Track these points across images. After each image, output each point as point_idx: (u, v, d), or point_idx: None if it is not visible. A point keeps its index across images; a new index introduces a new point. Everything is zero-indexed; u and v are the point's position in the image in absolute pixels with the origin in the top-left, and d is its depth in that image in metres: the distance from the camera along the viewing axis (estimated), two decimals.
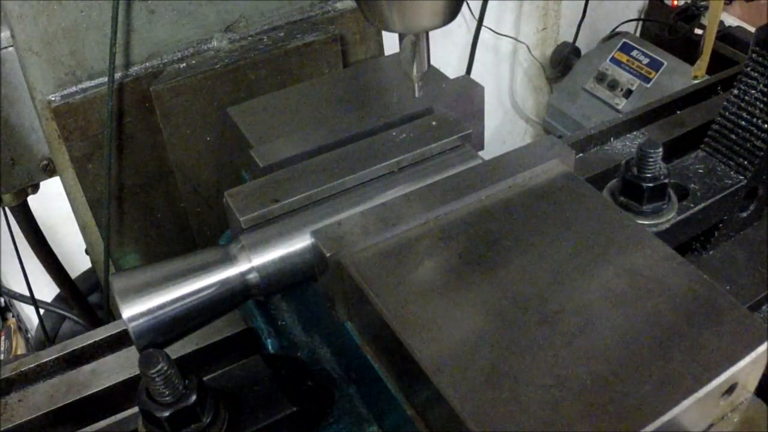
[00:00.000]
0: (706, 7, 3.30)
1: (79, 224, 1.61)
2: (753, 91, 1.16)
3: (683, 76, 3.00)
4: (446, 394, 0.69)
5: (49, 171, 1.52)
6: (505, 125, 3.65)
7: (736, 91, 1.19)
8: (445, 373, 0.71)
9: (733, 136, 1.20)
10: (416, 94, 0.97)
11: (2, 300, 2.92)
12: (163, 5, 1.39)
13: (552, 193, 0.92)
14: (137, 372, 1.02)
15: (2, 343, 2.86)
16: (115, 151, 1.47)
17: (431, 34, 0.91)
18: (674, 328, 0.74)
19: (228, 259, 0.87)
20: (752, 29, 3.21)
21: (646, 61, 3.23)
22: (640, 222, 1.05)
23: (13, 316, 2.92)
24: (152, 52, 1.44)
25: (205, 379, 0.83)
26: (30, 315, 2.64)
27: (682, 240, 1.21)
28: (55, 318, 2.29)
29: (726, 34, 3.21)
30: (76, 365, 1.19)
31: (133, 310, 0.81)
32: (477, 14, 2.22)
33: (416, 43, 0.90)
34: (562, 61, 3.50)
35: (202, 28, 1.47)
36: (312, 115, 1.14)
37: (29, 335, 2.72)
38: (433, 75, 1.17)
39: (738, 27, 3.29)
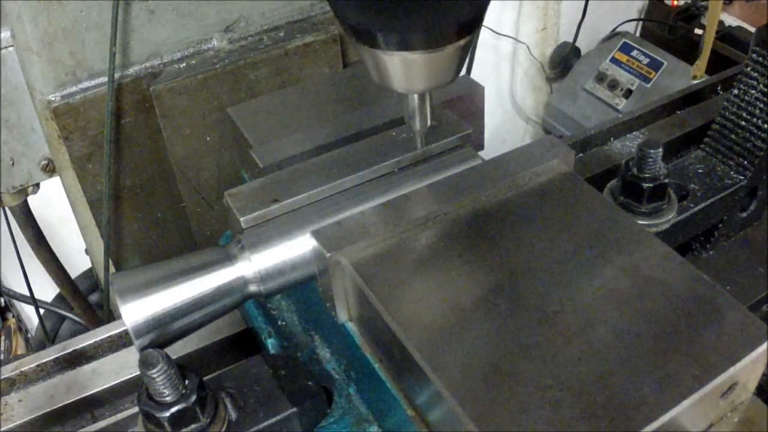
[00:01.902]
0: (706, 7, 3.30)
1: (79, 224, 1.61)
2: (753, 91, 1.16)
3: (683, 76, 3.00)
4: (446, 394, 0.69)
5: (49, 171, 1.52)
6: (505, 125, 3.65)
7: (736, 91, 1.19)
8: (445, 373, 0.71)
9: (733, 136, 1.20)
10: (418, 147, 0.97)
11: (2, 300, 2.92)
12: (163, 5, 1.39)
13: (552, 193, 0.91)
14: (137, 372, 1.02)
15: (2, 343, 2.87)
16: (115, 151, 1.47)
17: None
18: (674, 328, 0.74)
19: (228, 259, 0.87)
20: (752, 29, 3.21)
21: (646, 61, 3.23)
22: (640, 222, 1.05)
23: (13, 316, 2.92)
24: (152, 52, 1.44)
25: (205, 379, 0.83)
26: (30, 315, 2.64)
27: (682, 240, 1.21)
28: (55, 318, 2.29)
29: (726, 34, 3.21)
30: (76, 365, 1.19)
31: (133, 310, 0.81)
32: None
33: (420, 99, 0.90)
34: (562, 61, 3.50)
35: (202, 28, 1.47)
36: (312, 115, 1.14)
37: (29, 335, 2.71)
38: None
39: (738, 27, 3.29)
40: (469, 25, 0.79)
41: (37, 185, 1.57)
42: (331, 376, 1.00)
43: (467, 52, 0.83)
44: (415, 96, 0.89)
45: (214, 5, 1.45)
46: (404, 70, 0.81)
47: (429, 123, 0.93)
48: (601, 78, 3.31)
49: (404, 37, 0.77)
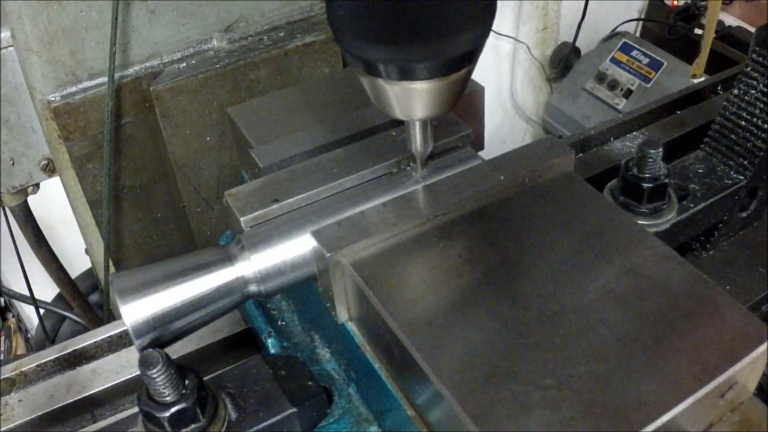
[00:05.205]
0: (706, 7, 3.30)
1: (79, 224, 1.61)
2: (753, 91, 1.16)
3: (683, 76, 3.01)
4: (446, 394, 0.69)
5: (49, 171, 1.52)
6: (505, 125, 3.65)
7: (736, 91, 1.19)
8: (445, 373, 0.71)
9: (733, 136, 1.20)
10: (419, 170, 0.96)
11: (2, 300, 2.92)
12: (163, 5, 1.39)
13: (552, 193, 0.91)
14: (137, 372, 1.02)
15: (2, 343, 2.87)
16: (114, 151, 1.47)
17: None
18: (674, 328, 0.74)
19: (228, 259, 0.87)
20: (752, 29, 3.21)
21: (646, 61, 3.23)
22: (640, 222, 1.05)
23: (13, 316, 2.92)
24: (152, 52, 1.44)
25: (205, 379, 0.83)
26: (30, 315, 2.64)
27: (682, 240, 1.21)
28: (55, 318, 2.29)
29: (726, 34, 3.21)
30: (76, 365, 1.19)
31: (133, 310, 0.81)
32: None
33: (421, 124, 0.89)
34: (562, 61, 3.50)
35: (202, 28, 1.47)
36: (312, 115, 1.14)
37: (29, 335, 2.72)
38: None
39: (738, 27, 3.29)
40: (471, 54, 0.79)
41: (37, 185, 1.57)
42: (331, 376, 1.00)
43: (469, 78, 0.83)
44: (417, 122, 0.89)
45: (214, 5, 1.45)
46: (405, 98, 0.81)
47: (430, 147, 0.93)
48: (601, 78, 3.31)
49: (406, 68, 0.77)
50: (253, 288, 0.88)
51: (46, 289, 2.10)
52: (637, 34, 3.65)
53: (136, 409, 0.82)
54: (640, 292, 0.78)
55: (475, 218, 0.89)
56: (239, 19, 1.50)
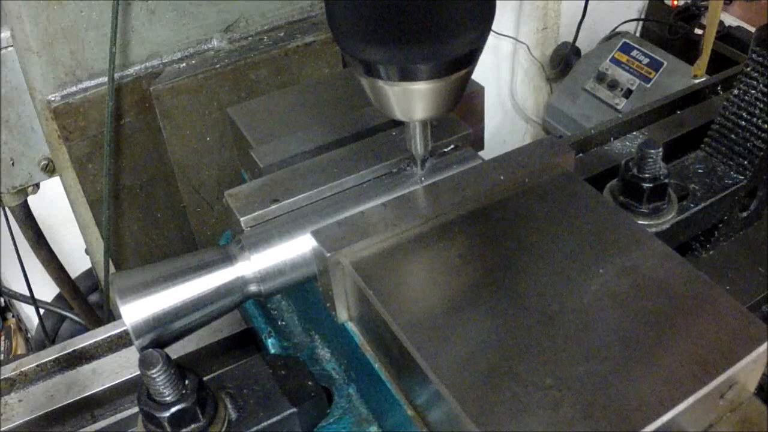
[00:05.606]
0: (706, 7, 3.30)
1: (79, 224, 1.61)
2: (753, 91, 1.16)
3: (683, 76, 3.00)
4: (446, 394, 0.69)
5: (49, 171, 1.52)
6: (505, 125, 3.65)
7: (736, 91, 1.19)
8: (446, 373, 0.71)
9: (733, 136, 1.20)
10: (419, 171, 0.96)
11: (2, 300, 2.92)
12: (163, 5, 1.39)
13: (552, 193, 0.91)
14: (137, 372, 1.02)
15: (2, 343, 2.86)
16: (114, 151, 1.47)
17: None
18: (674, 328, 0.74)
19: (228, 259, 0.87)
20: (752, 29, 3.21)
21: (646, 61, 3.23)
22: (640, 222, 1.05)
23: (13, 316, 2.92)
24: (152, 52, 1.44)
25: (205, 379, 0.83)
26: (30, 315, 2.63)
27: (682, 240, 1.21)
28: (55, 318, 2.29)
29: (726, 34, 3.21)
30: (76, 365, 1.19)
31: (133, 310, 0.81)
32: None
33: (421, 125, 0.89)
34: (562, 61, 3.49)
35: (202, 28, 1.47)
36: (312, 115, 1.14)
37: (29, 335, 2.71)
38: None
39: (738, 27, 3.29)
40: (471, 55, 0.79)
41: (37, 185, 1.57)
42: (331, 376, 1.00)
43: (469, 78, 0.83)
44: (416, 123, 0.89)
45: (214, 5, 1.45)
46: (405, 99, 0.81)
47: (429, 148, 0.93)
48: (601, 78, 3.31)
49: (406, 68, 0.77)
50: (253, 288, 0.88)
51: (46, 289, 2.09)
52: (637, 34, 3.65)
53: (136, 409, 0.82)
54: (640, 292, 0.78)
55: (475, 218, 0.89)
56: (239, 19, 1.50)
